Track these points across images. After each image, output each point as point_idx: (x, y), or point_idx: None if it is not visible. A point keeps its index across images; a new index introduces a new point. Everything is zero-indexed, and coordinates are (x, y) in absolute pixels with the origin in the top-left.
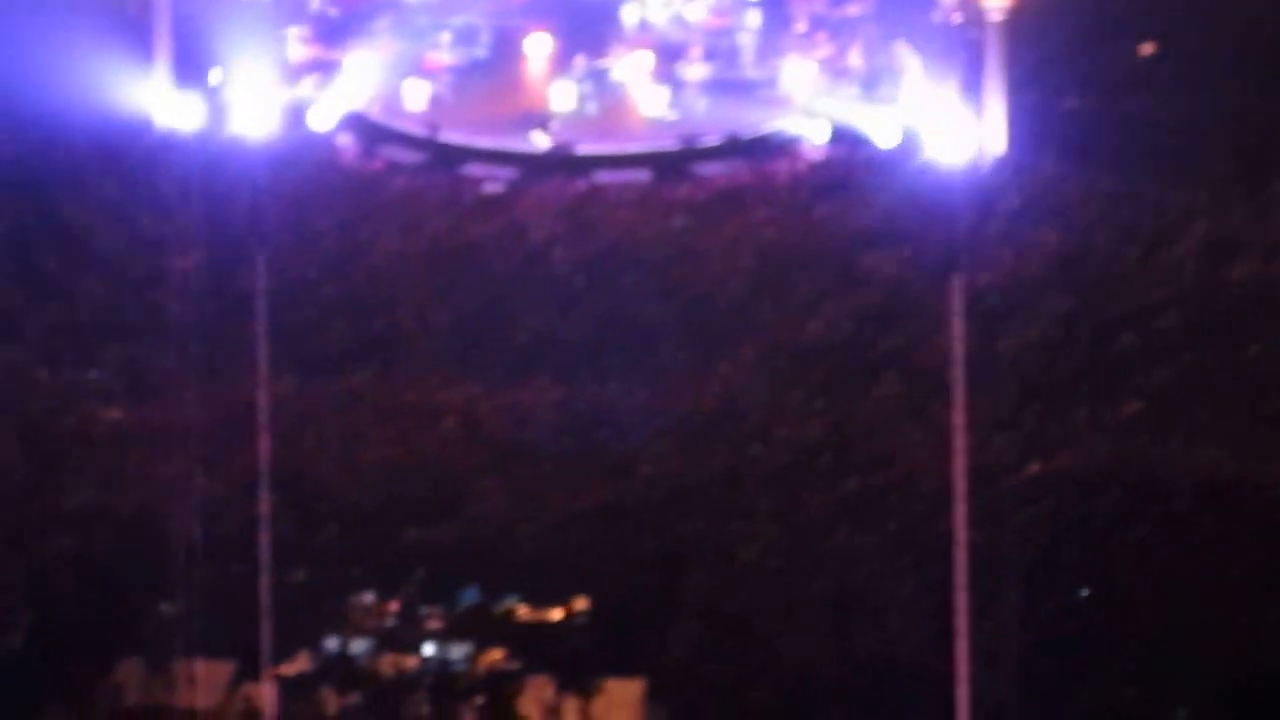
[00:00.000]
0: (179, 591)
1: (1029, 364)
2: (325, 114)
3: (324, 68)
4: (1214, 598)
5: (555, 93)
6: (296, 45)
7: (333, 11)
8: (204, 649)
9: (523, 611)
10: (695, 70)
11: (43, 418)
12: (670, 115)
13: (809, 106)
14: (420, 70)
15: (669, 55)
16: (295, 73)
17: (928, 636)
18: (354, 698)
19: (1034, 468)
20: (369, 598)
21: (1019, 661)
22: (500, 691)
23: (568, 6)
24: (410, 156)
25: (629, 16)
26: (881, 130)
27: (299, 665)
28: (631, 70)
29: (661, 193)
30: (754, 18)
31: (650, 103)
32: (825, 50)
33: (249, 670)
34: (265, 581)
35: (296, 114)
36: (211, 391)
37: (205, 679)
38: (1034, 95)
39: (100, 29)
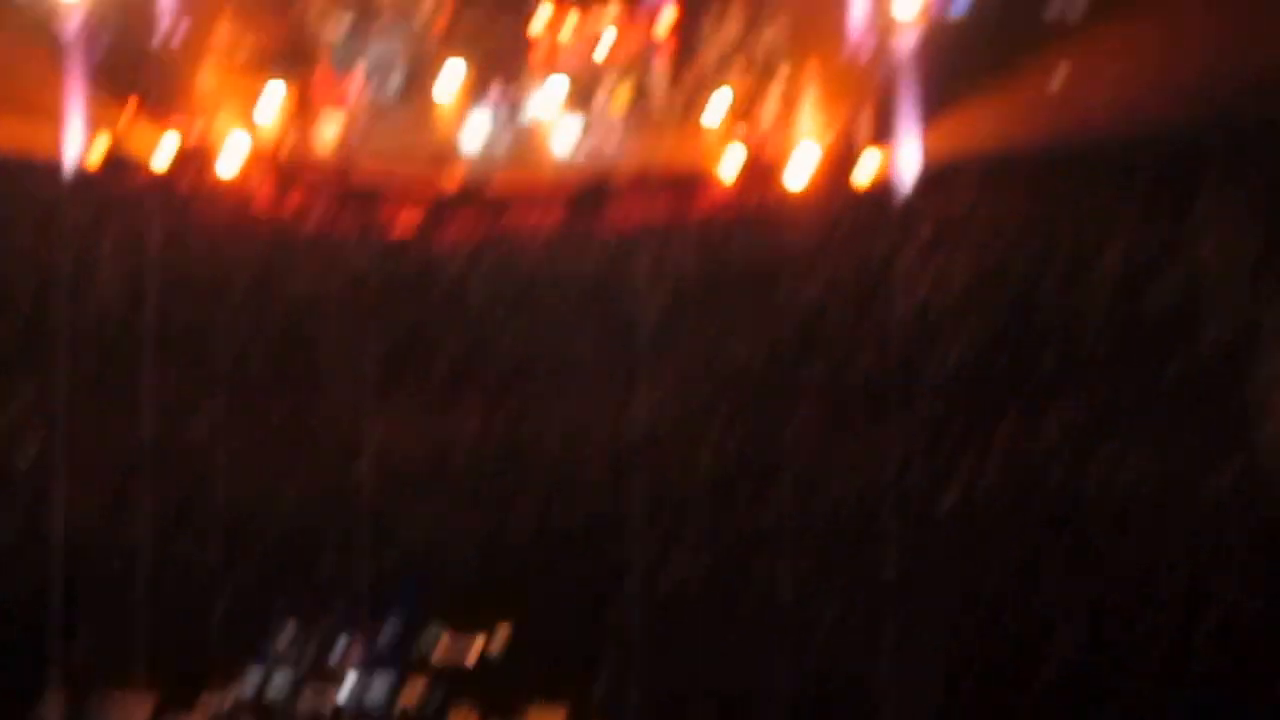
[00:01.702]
0: (100, 626)
1: (947, 389)
2: (233, 153)
3: (235, 104)
4: (1136, 621)
5: (467, 128)
6: (208, 78)
7: (242, 48)
8: (126, 682)
9: (445, 641)
10: (608, 104)
11: None
12: (584, 149)
13: (724, 138)
14: (331, 106)
15: (582, 89)
16: (204, 111)
17: (856, 659)
18: None
19: (953, 494)
20: (290, 630)
21: (945, 687)
22: None
23: (479, 37)
24: (321, 196)
25: (541, 49)
26: (794, 161)
27: (219, 699)
28: (544, 105)
29: (576, 228)
30: (667, 50)
31: (563, 137)
32: (739, 82)
33: (170, 704)
34: (184, 615)
35: (206, 153)
36: (126, 429)
37: (127, 713)
38: (949, 121)
39: (10, 70)
